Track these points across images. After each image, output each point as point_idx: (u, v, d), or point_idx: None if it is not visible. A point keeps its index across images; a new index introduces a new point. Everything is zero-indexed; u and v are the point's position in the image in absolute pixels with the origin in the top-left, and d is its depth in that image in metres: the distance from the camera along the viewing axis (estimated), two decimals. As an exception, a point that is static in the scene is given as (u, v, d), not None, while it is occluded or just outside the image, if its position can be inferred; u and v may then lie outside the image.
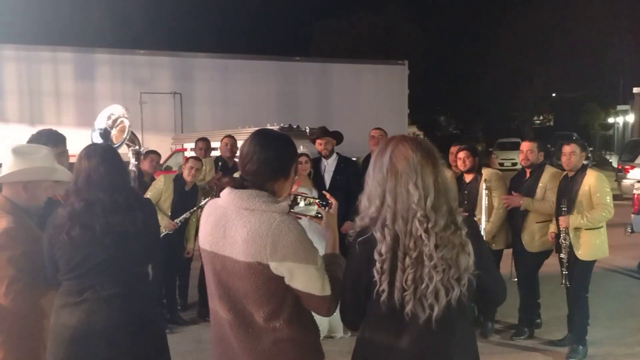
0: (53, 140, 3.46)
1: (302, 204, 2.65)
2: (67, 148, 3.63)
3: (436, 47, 32.67)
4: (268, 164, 1.93)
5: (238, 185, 1.96)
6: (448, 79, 34.37)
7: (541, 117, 45.40)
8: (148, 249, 2.54)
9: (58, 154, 3.41)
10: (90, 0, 22.05)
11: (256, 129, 2.41)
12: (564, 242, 4.55)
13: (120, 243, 2.38)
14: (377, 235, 1.78)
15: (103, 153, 2.52)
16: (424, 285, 1.74)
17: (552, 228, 4.79)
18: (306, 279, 1.86)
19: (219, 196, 2.01)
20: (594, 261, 4.61)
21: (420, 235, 1.75)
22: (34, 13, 20.71)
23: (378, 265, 1.76)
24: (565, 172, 4.75)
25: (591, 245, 4.53)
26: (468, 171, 5.16)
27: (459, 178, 5.25)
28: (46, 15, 20.81)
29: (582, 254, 4.53)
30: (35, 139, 3.43)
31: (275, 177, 1.96)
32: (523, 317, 5.11)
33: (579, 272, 4.57)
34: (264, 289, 1.87)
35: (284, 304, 1.90)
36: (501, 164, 24.05)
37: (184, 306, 5.88)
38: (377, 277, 1.76)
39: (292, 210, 2.71)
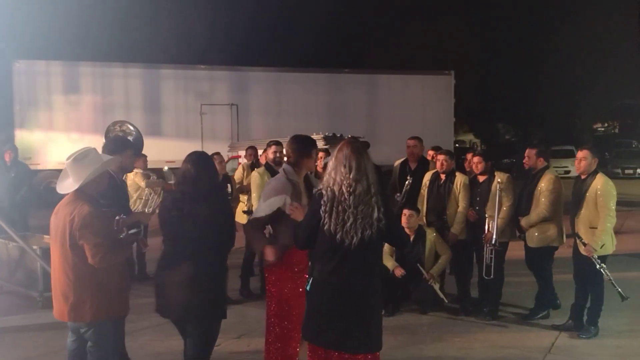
0: (120, 145, 4.35)
1: None
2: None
3: (494, 54, 32.52)
4: (299, 152, 3.87)
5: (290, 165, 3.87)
6: (506, 86, 34.04)
7: (605, 125, 44.03)
8: (215, 233, 3.44)
9: (129, 155, 4.33)
10: (155, 19, 23.80)
11: None
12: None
13: (196, 226, 3.40)
14: (324, 192, 3.05)
15: (194, 158, 3.56)
16: (348, 224, 2.95)
17: None
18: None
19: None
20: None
21: (344, 194, 2.98)
22: (106, 32, 22.61)
23: (322, 207, 3.01)
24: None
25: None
26: (481, 173, 5.83)
27: (473, 179, 5.91)
28: (117, 34, 22.66)
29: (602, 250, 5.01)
30: (109, 141, 4.53)
31: (302, 158, 3.90)
32: (537, 302, 5.73)
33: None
34: None
35: None
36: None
37: None
38: (322, 214, 3.01)
39: None
